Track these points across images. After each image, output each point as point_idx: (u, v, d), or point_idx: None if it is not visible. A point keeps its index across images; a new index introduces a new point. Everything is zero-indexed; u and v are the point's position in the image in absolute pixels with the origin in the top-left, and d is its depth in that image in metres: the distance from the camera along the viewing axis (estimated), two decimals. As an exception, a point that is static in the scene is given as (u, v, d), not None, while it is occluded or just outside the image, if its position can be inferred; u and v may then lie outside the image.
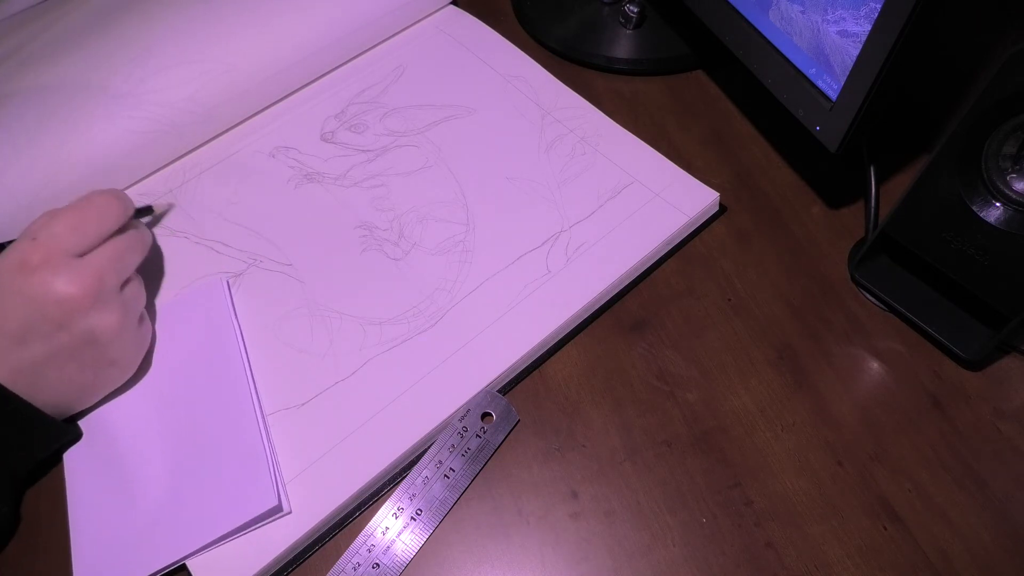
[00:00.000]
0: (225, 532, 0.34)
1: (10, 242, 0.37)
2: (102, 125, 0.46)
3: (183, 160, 0.51)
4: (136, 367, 0.39)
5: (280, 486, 0.36)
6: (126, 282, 0.38)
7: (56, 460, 0.38)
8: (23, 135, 0.45)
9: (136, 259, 0.40)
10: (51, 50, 0.49)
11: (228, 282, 0.44)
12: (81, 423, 0.39)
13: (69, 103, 0.46)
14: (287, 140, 0.51)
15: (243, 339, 0.41)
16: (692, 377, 0.40)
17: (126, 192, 0.41)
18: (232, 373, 0.39)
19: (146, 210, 0.45)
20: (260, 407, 0.38)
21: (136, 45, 0.48)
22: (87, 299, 0.35)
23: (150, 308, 0.43)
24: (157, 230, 0.47)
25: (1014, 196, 0.34)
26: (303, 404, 0.39)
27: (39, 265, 0.35)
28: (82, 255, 0.36)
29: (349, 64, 0.56)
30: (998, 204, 0.34)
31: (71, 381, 0.36)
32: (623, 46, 0.55)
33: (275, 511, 0.35)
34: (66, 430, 0.37)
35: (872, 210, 0.44)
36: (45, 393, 0.36)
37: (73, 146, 0.45)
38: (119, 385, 0.39)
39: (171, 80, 0.48)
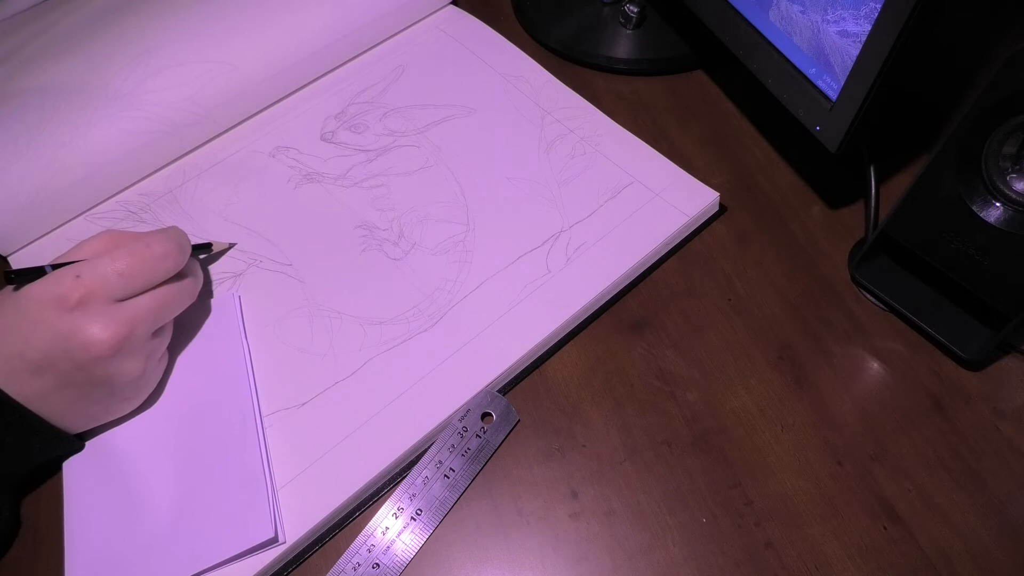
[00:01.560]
0: (220, 560, 0.34)
1: (55, 265, 0.36)
2: (102, 125, 0.46)
3: (183, 160, 0.51)
4: (144, 399, 0.39)
5: (277, 516, 0.35)
6: (159, 328, 0.38)
7: (56, 468, 0.38)
8: (23, 135, 0.45)
9: (176, 311, 0.39)
10: (52, 50, 0.49)
11: (239, 297, 0.43)
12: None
13: (69, 103, 0.46)
14: (287, 140, 0.51)
15: (250, 357, 0.41)
16: (692, 377, 0.40)
17: (181, 231, 0.40)
18: (238, 396, 0.39)
19: (204, 247, 0.44)
20: (264, 433, 0.38)
21: (136, 45, 0.48)
22: (114, 348, 0.34)
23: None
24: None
25: (1014, 196, 0.34)
26: (303, 404, 0.39)
27: (76, 306, 0.34)
28: (123, 300, 0.36)
29: (349, 64, 0.56)
30: (998, 204, 0.34)
31: (77, 411, 0.36)
32: (623, 46, 0.55)
33: (271, 542, 0.34)
34: (68, 439, 0.37)
35: (872, 210, 0.44)
36: (47, 415, 0.35)
37: (73, 146, 0.45)
38: (124, 414, 0.39)
39: (171, 80, 0.48)
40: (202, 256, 0.44)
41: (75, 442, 0.37)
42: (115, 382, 0.36)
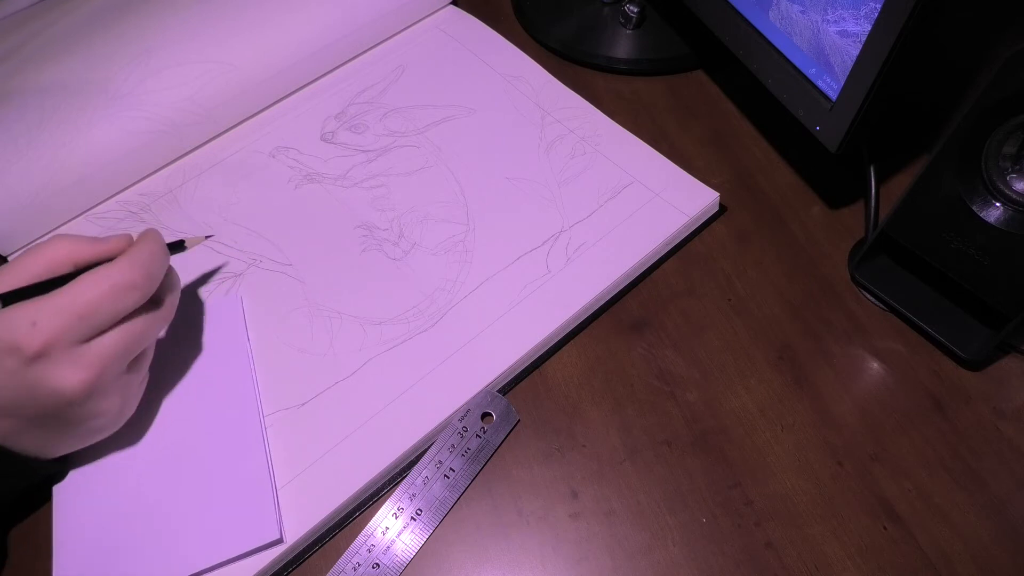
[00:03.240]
0: (223, 560, 0.34)
1: (4, 297, 0.32)
2: (102, 125, 0.46)
3: (183, 160, 0.51)
4: (123, 422, 0.36)
5: (280, 517, 0.35)
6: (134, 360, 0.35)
7: (46, 496, 0.36)
8: (23, 135, 0.45)
9: (149, 340, 0.35)
10: (51, 50, 0.49)
11: (243, 299, 0.43)
12: None
13: (69, 103, 0.46)
14: (287, 140, 0.51)
15: (254, 359, 0.41)
16: (692, 377, 0.40)
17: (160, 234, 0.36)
18: (242, 397, 0.39)
19: (178, 245, 0.40)
20: (267, 434, 0.38)
21: (136, 45, 0.48)
22: (85, 393, 0.32)
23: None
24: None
25: (1014, 196, 0.34)
26: (303, 404, 0.39)
27: (35, 356, 0.30)
28: (88, 340, 0.32)
29: (349, 64, 0.56)
30: (998, 204, 0.34)
31: (49, 445, 0.34)
32: (623, 46, 0.55)
33: (275, 543, 0.34)
34: (46, 466, 0.35)
35: (872, 210, 0.44)
36: (20, 450, 0.33)
37: (73, 146, 0.45)
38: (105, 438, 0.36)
39: (171, 80, 0.48)
40: (178, 254, 0.42)
41: (55, 466, 0.35)
42: (89, 421, 0.33)
